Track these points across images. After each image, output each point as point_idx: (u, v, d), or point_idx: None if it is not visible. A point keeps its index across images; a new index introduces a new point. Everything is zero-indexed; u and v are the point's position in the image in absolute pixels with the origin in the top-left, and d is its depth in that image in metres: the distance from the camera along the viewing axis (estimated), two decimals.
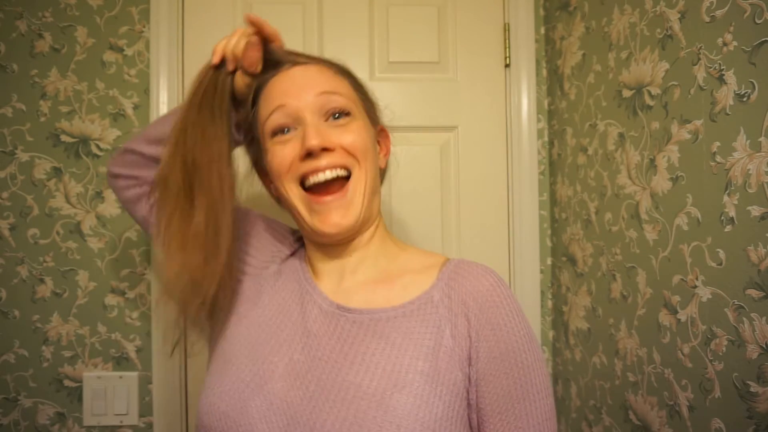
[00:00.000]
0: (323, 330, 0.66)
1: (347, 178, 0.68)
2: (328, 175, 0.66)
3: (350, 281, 0.71)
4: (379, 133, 0.77)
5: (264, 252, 0.79)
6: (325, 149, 0.66)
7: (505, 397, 0.61)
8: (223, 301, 0.73)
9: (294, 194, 0.69)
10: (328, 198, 0.67)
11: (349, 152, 0.67)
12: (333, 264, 0.72)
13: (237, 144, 0.78)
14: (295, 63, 0.72)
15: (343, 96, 0.69)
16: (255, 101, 0.73)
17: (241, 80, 0.74)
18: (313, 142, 0.64)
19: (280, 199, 0.73)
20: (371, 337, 0.64)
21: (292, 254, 0.79)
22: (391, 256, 0.73)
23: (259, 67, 0.73)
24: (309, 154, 0.66)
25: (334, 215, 0.66)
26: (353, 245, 0.72)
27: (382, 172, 0.79)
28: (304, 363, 0.64)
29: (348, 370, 0.62)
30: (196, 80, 0.73)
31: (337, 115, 0.68)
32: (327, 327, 0.66)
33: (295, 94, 0.68)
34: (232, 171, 0.72)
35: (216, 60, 0.72)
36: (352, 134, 0.68)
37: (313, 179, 0.67)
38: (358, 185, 0.68)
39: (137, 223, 0.84)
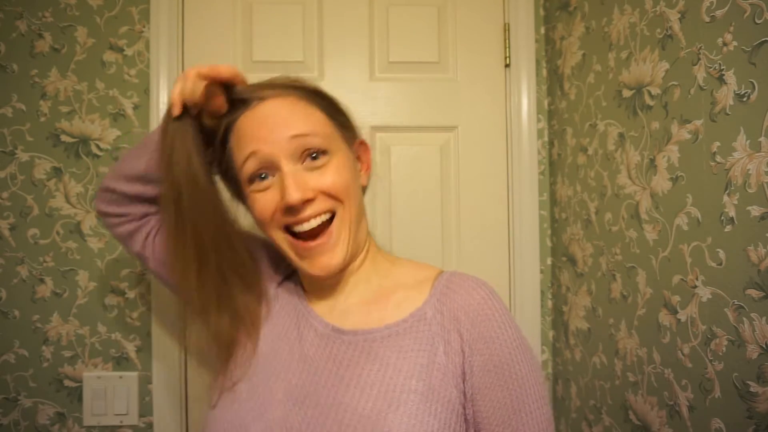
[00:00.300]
0: (320, 353, 0.67)
1: (332, 218, 0.67)
2: (313, 223, 0.65)
3: (344, 303, 0.71)
4: (359, 147, 0.75)
5: (263, 276, 0.78)
6: (307, 201, 0.64)
7: (502, 409, 0.61)
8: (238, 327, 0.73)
9: (280, 240, 0.68)
10: (313, 243, 0.66)
11: (330, 195, 0.66)
12: (327, 290, 0.72)
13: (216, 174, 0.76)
14: (263, 99, 0.67)
15: (317, 135, 0.66)
16: (225, 139, 0.70)
17: (208, 120, 0.70)
18: (293, 199, 0.62)
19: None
20: (366, 358, 0.64)
21: (288, 276, 0.79)
22: (383, 272, 0.73)
23: (225, 109, 0.69)
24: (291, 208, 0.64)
25: (323, 258, 0.66)
26: (346, 274, 0.71)
27: (365, 189, 0.76)
28: (302, 388, 0.64)
29: (344, 393, 0.62)
30: (161, 132, 0.69)
31: (314, 155, 0.65)
32: (323, 350, 0.67)
33: (267, 137, 0.65)
34: (222, 203, 0.71)
35: (177, 112, 0.66)
36: (331, 176, 0.65)
37: (297, 228, 0.66)
38: (343, 226, 0.67)
39: (135, 258, 0.83)
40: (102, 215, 0.80)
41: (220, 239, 0.69)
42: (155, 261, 0.78)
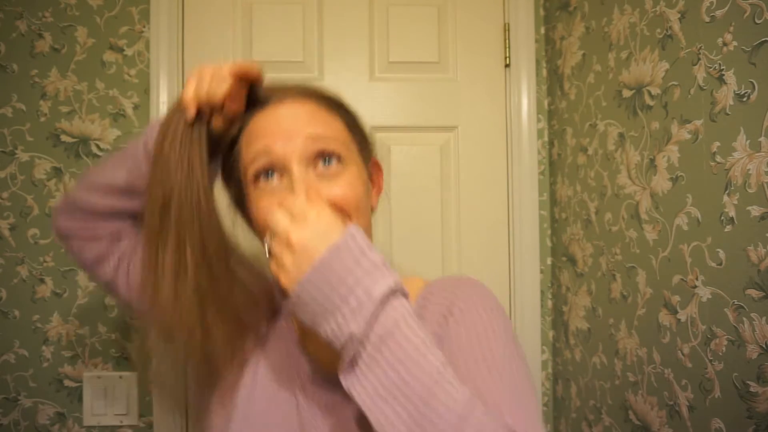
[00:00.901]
0: (312, 401, 0.63)
1: None
2: None
3: None
4: (372, 167, 0.71)
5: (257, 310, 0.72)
6: None
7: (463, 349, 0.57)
8: (222, 365, 0.67)
9: None
10: None
11: (340, 208, 0.60)
12: None
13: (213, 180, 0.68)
14: (282, 100, 0.63)
15: (335, 140, 0.62)
16: (235, 140, 0.65)
17: (218, 122, 0.63)
18: None
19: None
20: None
21: (279, 311, 0.73)
22: None
23: (242, 111, 0.64)
24: None
25: None
26: None
27: (373, 211, 0.72)
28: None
29: None
30: (164, 128, 0.62)
31: (326, 159, 0.61)
32: (314, 397, 0.63)
33: (282, 137, 0.60)
34: (218, 217, 0.63)
35: (191, 114, 0.60)
36: (343, 187, 0.61)
37: None
38: None
39: (104, 290, 0.73)
40: (64, 235, 0.70)
41: (210, 255, 0.61)
42: (128, 288, 0.70)
